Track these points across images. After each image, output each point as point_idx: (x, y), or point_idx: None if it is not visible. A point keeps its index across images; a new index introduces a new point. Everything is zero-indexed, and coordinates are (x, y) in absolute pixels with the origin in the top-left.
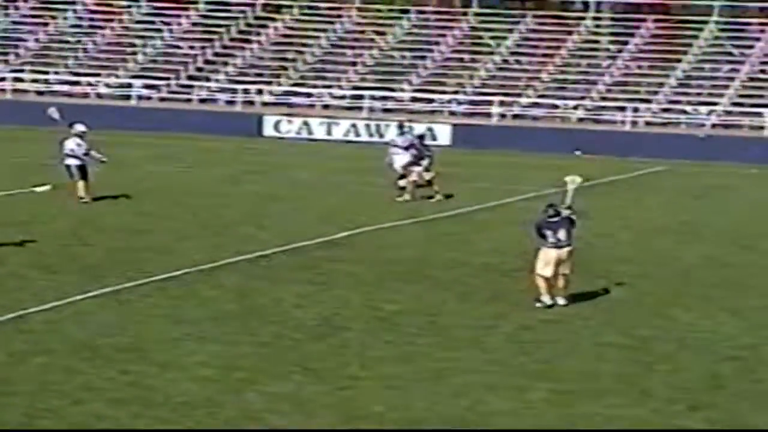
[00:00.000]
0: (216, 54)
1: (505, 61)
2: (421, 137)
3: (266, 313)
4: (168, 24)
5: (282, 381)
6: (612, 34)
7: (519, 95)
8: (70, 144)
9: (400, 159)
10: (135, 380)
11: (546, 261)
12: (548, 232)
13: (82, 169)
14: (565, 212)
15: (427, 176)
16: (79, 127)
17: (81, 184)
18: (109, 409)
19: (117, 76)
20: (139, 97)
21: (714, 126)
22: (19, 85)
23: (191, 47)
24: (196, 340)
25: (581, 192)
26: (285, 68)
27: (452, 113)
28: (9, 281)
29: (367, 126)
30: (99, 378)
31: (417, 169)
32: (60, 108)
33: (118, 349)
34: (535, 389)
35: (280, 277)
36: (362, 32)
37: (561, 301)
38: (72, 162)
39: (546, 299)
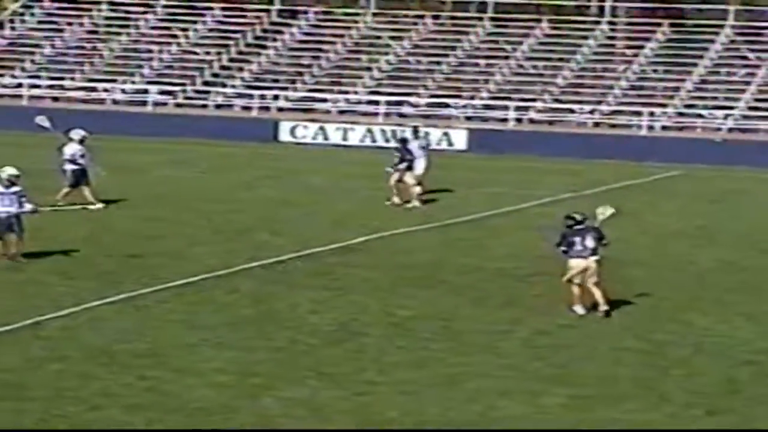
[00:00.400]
0: (232, 60)
1: (521, 66)
2: (403, 141)
3: (282, 318)
4: (184, 30)
5: (298, 386)
6: (627, 38)
7: (534, 100)
8: (70, 150)
9: (418, 164)
10: (152, 386)
11: (575, 270)
12: (576, 239)
13: (83, 174)
14: (589, 222)
15: (410, 180)
16: (80, 133)
17: (86, 190)
18: (126, 415)
19: (133, 83)
20: (155, 103)
21: (730, 130)
22: (36, 92)
23: (207, 53)
24: (212, 346)
25: (599, 196)
26: (301, 74)
27: (468, 118)
28: (26, 287)
29: (383, 131)
30: (115, 384)
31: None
32: (50, 116)
33: (134, 355)
34: (551, 394)
35: (296, 282)
36: (378, 37)
37: (603, 307)
38: (70, 167)
39: (579, 309)
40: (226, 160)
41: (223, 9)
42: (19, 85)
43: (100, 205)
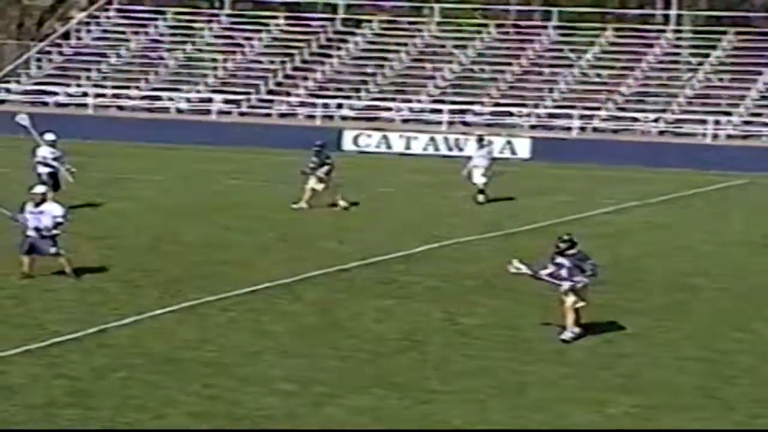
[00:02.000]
0: (296, 68)
1: (585, 74)
2: (322, 146)
3: (346, 327)
4: (248, 39)
5: (362, 395)
6: (693, 46)
7: (599, 108)
8: (42, 151)
9: (479, 173)
10: (216, 394)
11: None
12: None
13: (53, 177)
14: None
15: (319, 186)
16: (49, 136)
17: (52, 192)
18: (191, 423)
19: (197, 92)
20: (219, 112)
21: None
22: (101, 101)
23: (271, 62)
24: (276, 354)
25: (663, 204)
26: (365, 82)
27: (532, 127)
28: (91, 296)
29: (446, 140)
30: (180, 392)
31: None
32: (31, 115)
33: (199, 363)
34: (617, 403)
35: (360, 291)
36: (442, 46)
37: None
38: (43, 170)
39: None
40: (290, 168)
41: (288, 18)
42: (84, 95)
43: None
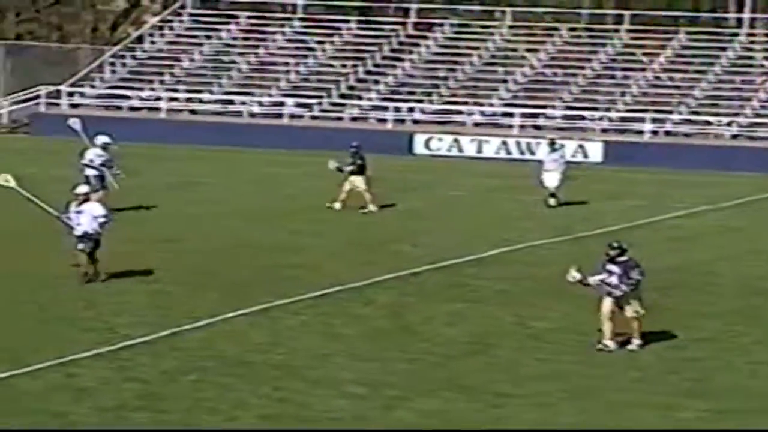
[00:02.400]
0: (368, 72)
1: (658, 78)
2: (358, 147)
3: (417, 330)
4: (320, 43)
5: (432, 398)
6: (766, 50)
7: (671, 112)
8: (90, 154)
9: (551, 177)
10: (286, 396)
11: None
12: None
13: (102, 179)
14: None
15: (362, 186)
16: (102, 139)
17: (100, 194)
18: (261, 425)
19: (269, 95)
20: (291, 116)
21: None
22: (174, 105)
23: (343, 66)
24: (347, 357)
25: (736, 208)
26: (437, 86)
27: (604, 130)
28: (162, 299)
29: (518, 143)
30: (251, 394)
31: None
32: (82, 119)
33: (269, 366)
34: (687, 408)
35: (431, 294)
36: (514, 50)
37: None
38: (90, 172)
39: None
40: None
41: (360, 22)
42: (158, 99)
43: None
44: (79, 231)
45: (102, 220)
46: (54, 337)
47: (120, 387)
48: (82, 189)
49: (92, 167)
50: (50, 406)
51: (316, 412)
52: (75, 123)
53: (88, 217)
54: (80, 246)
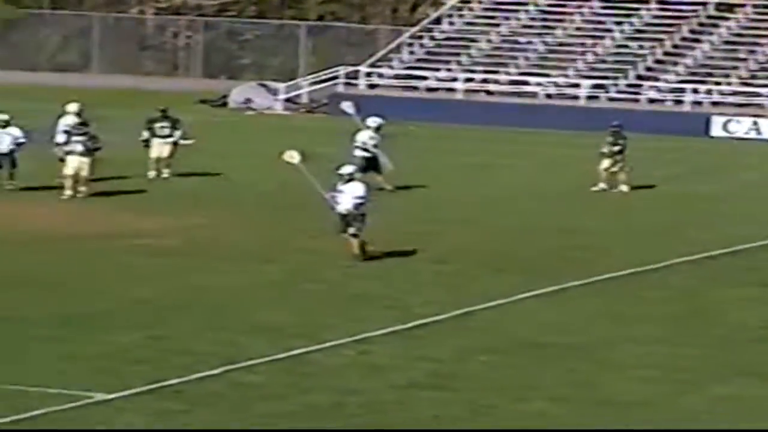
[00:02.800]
0: (666, 53)
1: None
2: (619, 126)
3: (710, 314)
4: (619, 23)
5: (724, 384)
6: None
7: None
8: (362, 137)
9: None
10: (577, 379)
11: None
12: None
13: (373, 161)
14: None
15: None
16: (374, 121)
17: (374, 175)
18: (552, 407)
19: (566, 76)
20: (587, 97)
21: None
22: (470, 86)
23: (641, 47)
24: (637, 341)
25: None
26: (736, 67)
27: None
28: (455, 279)
29: None
30: (542, 376)
31: None
32: (356, 103)
33: (560, 347)
34: None
35: (725, 278)
36: None
37: None
38: (359, 153)
39: None
40: (656, 154)
41: (660, 2)
42: (454, 80)
43: (390, 187)
44: (341, 209)
45: (358, 201)
46: (348, 315)
47: (412, 365)
48: (347, 169)
49: (364, 149)
50: (344, 383)
51: (606, 394)
52: (349, 107)
53: (348, 197)
54: (350, 230)
